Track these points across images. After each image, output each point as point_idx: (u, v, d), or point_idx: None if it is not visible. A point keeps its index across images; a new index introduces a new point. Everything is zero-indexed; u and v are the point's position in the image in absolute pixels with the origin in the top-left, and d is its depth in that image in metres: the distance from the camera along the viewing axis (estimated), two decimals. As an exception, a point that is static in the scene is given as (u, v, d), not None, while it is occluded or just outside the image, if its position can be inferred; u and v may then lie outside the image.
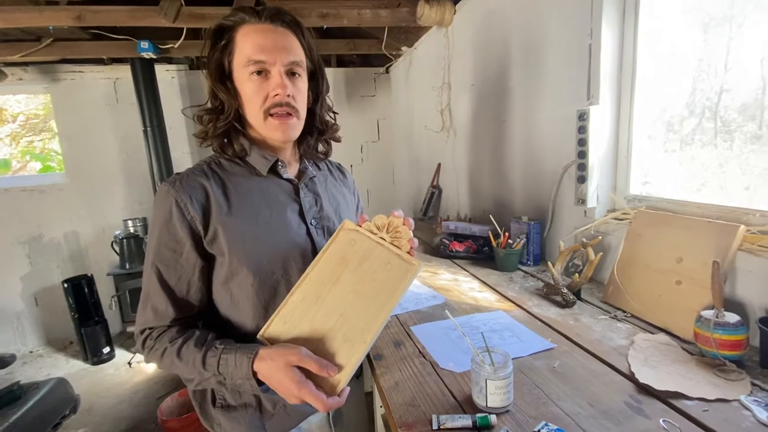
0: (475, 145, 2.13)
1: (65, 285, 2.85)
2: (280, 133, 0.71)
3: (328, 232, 0.78)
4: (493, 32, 1.81)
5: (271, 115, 0.70)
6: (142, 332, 0.70)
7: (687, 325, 0.87)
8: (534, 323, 1.03)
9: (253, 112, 0.70)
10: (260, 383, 0.61)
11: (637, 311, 1.02)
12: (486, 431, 0.65)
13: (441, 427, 0.66)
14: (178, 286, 0.68)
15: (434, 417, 0.68)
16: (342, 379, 0.60)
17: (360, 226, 0.71)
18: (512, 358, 0.84)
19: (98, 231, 3.20)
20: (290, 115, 0.71)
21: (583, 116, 1.21)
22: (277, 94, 0.69)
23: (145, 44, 2.44)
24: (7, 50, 2.42)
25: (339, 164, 0.95)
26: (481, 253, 1.64)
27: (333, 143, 0.86)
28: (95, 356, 2.86)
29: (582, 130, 1.22)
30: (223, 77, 0.71)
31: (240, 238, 0.68)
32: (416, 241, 0.69)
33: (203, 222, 0.66)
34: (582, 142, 1.23)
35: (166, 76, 3.12)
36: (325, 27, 2.28)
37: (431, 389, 0.78)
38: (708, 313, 0.81)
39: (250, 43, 0.68)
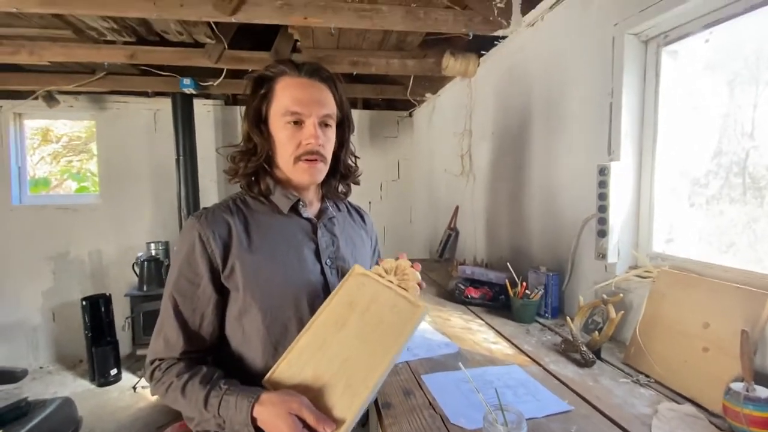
0: (494, 191, 2.15)
1: (83, 302, 2.91)
2: (307, 176, 0.76)
3: (342, 273, 0.80)
4: (515, 85, 1.88)
5: (302, 161, 0.75)
6: (152, 362, 0.71)
7: (715, 396, 0.82)
8: (550, 381, 0.99)
9: (284, 156, 0.76)
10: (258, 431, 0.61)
11: (660, 376, 0.97)
12: (497, 499, 0.62)
13: (449, 489, 0.63)
14: (191, 318, 0.70)
15: (442, 477, 0.65)
16: (343, 429, 0.58)
17: (362, 272, 0.74)
18: (527, 419, 0.80)
19: (121, 251, 3.30)
20: (318, 161, 0.76)
21: (603, 171, 1.22)
22: (309, 143, 0.74)
23: (187, 81, 2.63)
24: (62, 80, 2.64)
25: (359, 207, 0.98)
26: (497, 301, 1.60)
27: (353, 185, 0.90)
28: (102, 377, 2.85)
29: (603, 184, 1.23)
30: (258, 122, 0.76)
31: (255, 274, 0.70)
32: (424, 283, 0.71)
33: (223, 256, 0.69)
34: (602, 197, 1.23)
35: (203, 110, 3.33)
36: (354, 73, 2.42)
37: (440, 446, 0.75)
38: (738, 386, 0.76)
39: (289, 96, 0.74)
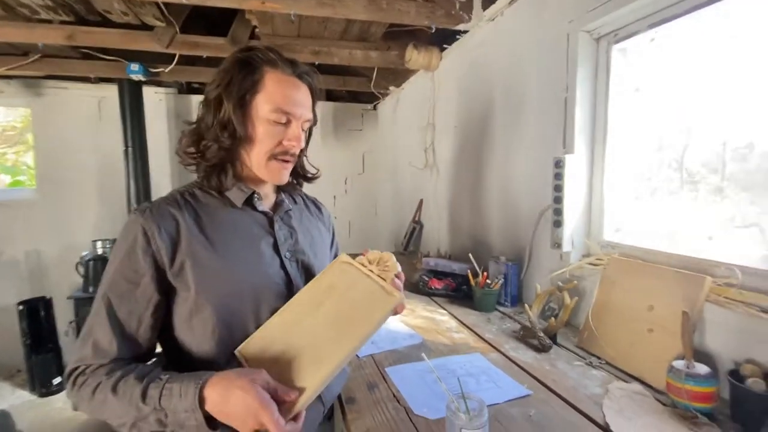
0: (457, 184, 2.18)
1: (20, 307, 2.66)
2: (278, 177, 0.74)
3: (303, 266, 0.77)
4: (477, 79, 1.91)
5: (276, 160, 0.72)
6: (75, 369, 0.63)
7: (659, 374, 0.87)
8: (511, 367, 1.02)
9: (259, 152, 0.71)
10: (208, 421, 0.55)
11: (611, 358, 1.03)
12: (459, 486, 0.62)
13: (412, 480, 0.63)
14: (127, 321, 0.64)
15: (406, 469, 0.65)
16: (300, 400, 0.57)
17: (348, 260, 0.74)
18: (488, 405, 0.82)
19: (63, 251, 3.05)
20: (290, 162, 0.75)
21: (559, 163, 1.26)
22: (292, 145, 0.72)
23: (135, 66, 2.45)
24: (-8, 63, 2.38)
25: (315, 199, 0.95)
26: (459, 292, 1.63)
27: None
28: (44, 387, 2.63)
29: (558, 176, 1.27)
30: (242, 107, 0.70)
31: (208, 272, 0.65)
32: (404, 276, 0.70)
33: (170, 254, 0.64)
34: (558, 188, 1.28)
35: (154, 98, 3.12)
36: (316, 63, 2.35)
37: (404, 437, 0.75)
38: (679, 364, 0.82)
39: (283, 93, 0.70)
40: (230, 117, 0.68)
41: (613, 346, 1.04)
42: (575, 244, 1.30)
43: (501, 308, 1.48)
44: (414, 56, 2.22)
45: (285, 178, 0.76)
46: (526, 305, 1.21)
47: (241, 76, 0.69)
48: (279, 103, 0.70)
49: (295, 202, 0.87)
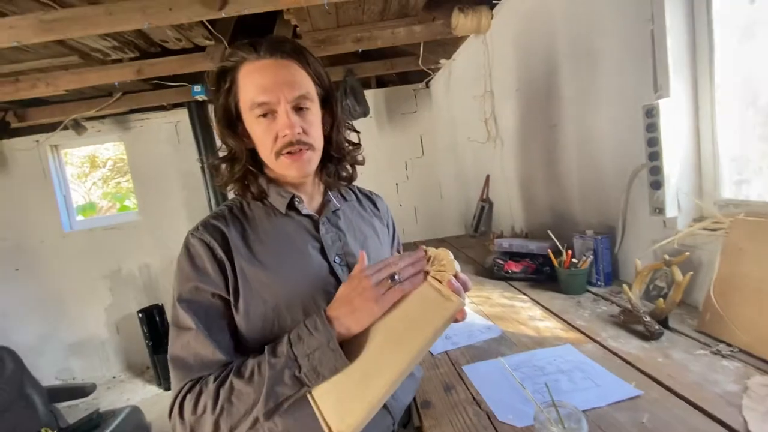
0: (526, 154, 1.97)
1: (140, 315, 3.08)
2: (294, 171, 0.67)
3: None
4: (536, 32, 1.68)
5: (283, 155, 0.66)
6: (179, 393, 0.58)
7: (825, 366, 0.67)
8: (612, 361, 0.87)
9: (265, 153, 0.68)
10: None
11: (746, 345, 0.82)
12: None
13: (501, 504, 0.55)
14: (216, 330, 0.62)
15: (493, 489, 0.57)
16: (349, 422, 0.51)
17: None
18: (587, 409, 0.70)
19: (166, 262, 3.45)
20: (303, 150, 0.67)
21: (651, 112, 1.04)
22: (285, 135, 0.65)
23: (198, 88, 2.63)
24: (84, 107, 2.74)
25: (371, 192, 0.88)
26: (541, 274, 1.47)
27: (358, 167, 0.80)
28: (166, 381, 3.03)
29: (651, 128, 1.05)
30: (231, 122, 0.68)
31: (256, 286, 0.63)
32: (467, 279, 0.59)
33: (222, 269, 0.63)
34: (653, 142, 1.06)
35: (220, 114, 3.34)
36: (360, 51, 2.29)
37: (488, 449, 0.67)
38: None
39: (252, 84, 0.64)
40: (223, 138, 0.67)
41: (750, 329, 0.83)
42: (682, 206, 1.07)
43: (593, 289, 1.30)
44: (461, 21, 2.03)
45: (305, 169, 0.68)
46: (624, 285, 1.03)
47: (219, 89, 0.66)
48: (252, 96, 0.64)
49: (346, 199, 0.81)
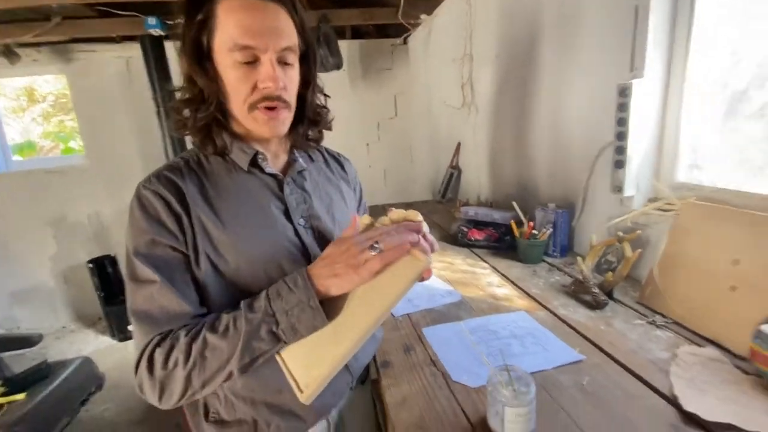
0: (499, 123, 1.97)
1: (90, 265, 2.93)
2: (267, 130, 0.62)
3: (319, 232, 0.69)
4: (521, -5, 1.62)
5: (259, 109, 0.60)
6: (146, 348, 0.56)
7: (742, 338, 0.75)
8: (560, 328, 0.93)
9: (237, 103, 0.61)
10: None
11: (680, 317, 0.90)
12: (502, 466, 0.57)
13: (451, 457, 0.59)
14: (180, 282, 0.58)
15: (444, 444, 0.61)
16: (313, 381, 0.53)
17: (370, 223, 0.63)
18: (535, 372, 0.75)
19: (119, 212, 3.25)
20: (280, 108, 0.61)
21: (624, 91, 1.05)
22: (267, 87, 0.59)
23: (152, 20, 2.36)
24: (18, 30, 2.39)
25: (338, 154, 0.84)
26: (502, 242, 1.53)
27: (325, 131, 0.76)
28: (121, 333, 2.96)
29: (622, 107, 1.07)
30: (201, 58, 0.60)
31: (215, 246, 0.60)
32: (434, 240, 0.59)
33: (181, 223, 0.59)
34: (622, 122, 1.08)
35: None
36: (336, -4, 2.12)
37: (442, 407, 0.70)
38: (771, 329, 0.69)
39: (236, 24, 0.57)
40: (189, 75, 0.60)
41: (684, 303, 0.91)
42: (640, 187, 1.12)
43: (548, 260, 1.36)
44: (446, -25, 1.92)
45: (279, 129, 0.63)
46: (578, 258, 1.09)
47: (190, 18, 0.58)
48: (235, 37, 0.57)
49: (312, 159, 0.77)
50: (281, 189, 0.68)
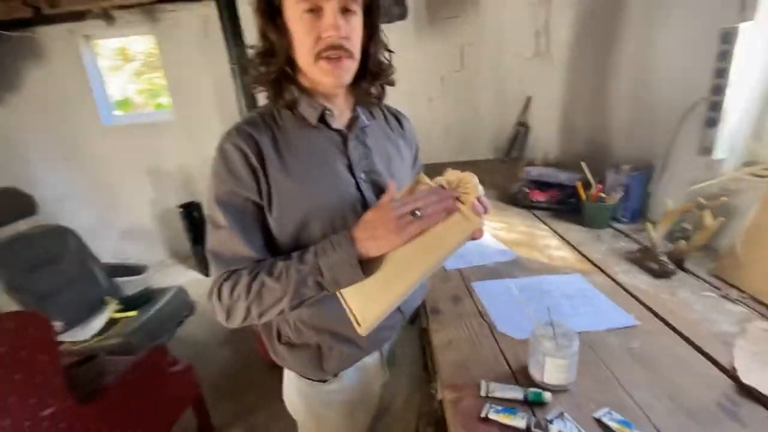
0: (575, 75, 1.81)
1: (180, 209, 3.33)
2: (331, 78, 0.66)
3: (378, 187, 0.73)
4: (615, -77, 1.41)
5: (323, 59, 0.64)
6: (218, 280, 0.65)
7: (831, 319, 0.68)
8: (617, 293, 0.91)
9: (303, 54, 0.65)
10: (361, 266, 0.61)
11: (758, 292, 0.83)
12: (538, 408, 0.61)
13: (489, 395, 0.64)
14: (250, 229, 0.67)
15: (483, 383, 0.66)
16: (369, 317, 0.60)
17: (415, 183, 0.68)
18: (583, 331, 0.76)
19: (202, 163, 3.59)
20: (343, 58, 0.64)
21: (728, 37, 0.91)
22: (330, 36, 0.62)
23: (226, -23, 2.43)
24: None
25: (397, 111, 0.86)
26: (566, 204, 1.46)
27: (388, 87, 0.78)
28: (205, 269, 3.39)
29: (723, 56, 0.93)
30: (272, 14, 0.65)
31: (285, 197, 0.67)
32: (488, 203, 0.62)
33: (258, 173, 0.66)
34: (721, 73, 0.95)
35: (249, 11, 3.13)
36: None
37: (486, 353, 0.75)
38: None
39: None
40: (263, 30, 0.65)
41: (766, 279, 0.83)
42: (734, 148, 1.00)
43: (616, 225, 1.29)
44: None
45: (343, 77, 0.67)
46: (648, 224, 1.02)
47: None
48: None
49: (374, 117, 0.80)
50: (345, 144, 0.72)
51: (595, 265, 1.04)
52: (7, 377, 1.07)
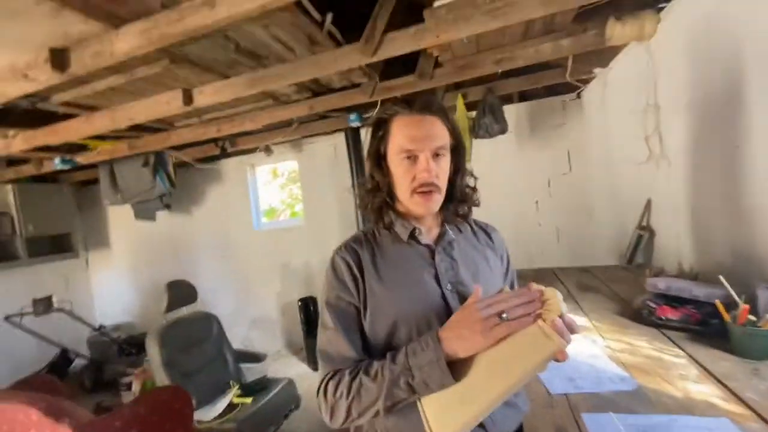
0: (699, 178, 1.65)
1: (299, 303, 3.72)
2: (423, 208, 0.80)
3: (464, 298, 0.78)
4: (715, 36, 1.41)
5: (417, 193, 0.79)
6: (324, 378, 0.74)
7: None
8: (787, 453, 0.70)
9: (402, 189, 0.81)
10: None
11: None
12: None
13: None
14: (351, 332, 0.77)
15: None
16: (445, 430, 0.58)
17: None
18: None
19: (322, 261, 4.06)
20: (433, 192, 0.79)
21: None
22: (423, 176, 0.78)
23: (353, 116, 3.06)
24: (273, 135, 3.49)
25: (486, 225, 0.94)
26: (707, 326, 1.23)
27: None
28: (315, 363, 3.56)
29: None
30: (379, 161, 0.85)
31: (378, 303, 0.77)
32: (573, 321, 0.61)
33: (356, 285, 0.79)
34: None
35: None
36: (499, 72, 2.29)
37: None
38: None
39: (403, 134, 0.80)
40: (371, 172, 0.83)
41: None
42: None
43: (782, 357, 1.02)
44: (617, 31, 1.84)
45: (432, 207, 0.80)
46: (825, 361, 0.80)
47: (374, 135, 0.83)
48: (402, 143, 0.79)
49: (461, 231, 0.89)
50: (433, 257, 0.82)
51: (750, 408, 0.83)
52: (151, 445, 1.27)
